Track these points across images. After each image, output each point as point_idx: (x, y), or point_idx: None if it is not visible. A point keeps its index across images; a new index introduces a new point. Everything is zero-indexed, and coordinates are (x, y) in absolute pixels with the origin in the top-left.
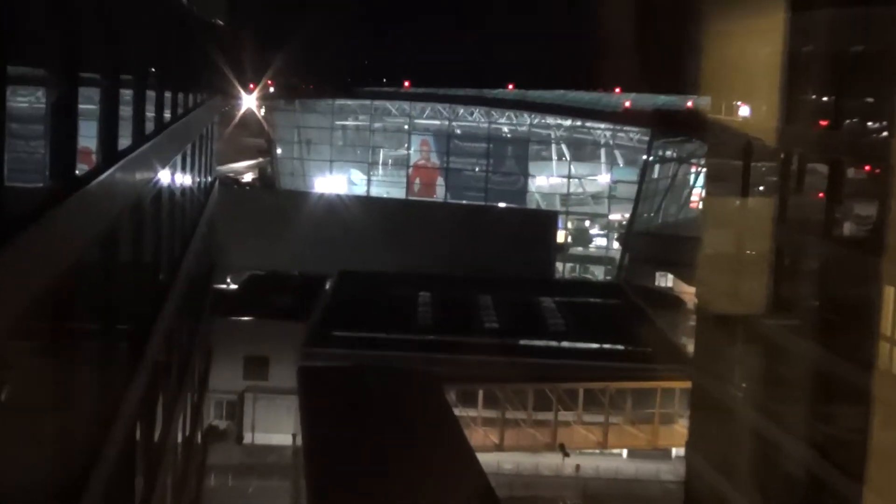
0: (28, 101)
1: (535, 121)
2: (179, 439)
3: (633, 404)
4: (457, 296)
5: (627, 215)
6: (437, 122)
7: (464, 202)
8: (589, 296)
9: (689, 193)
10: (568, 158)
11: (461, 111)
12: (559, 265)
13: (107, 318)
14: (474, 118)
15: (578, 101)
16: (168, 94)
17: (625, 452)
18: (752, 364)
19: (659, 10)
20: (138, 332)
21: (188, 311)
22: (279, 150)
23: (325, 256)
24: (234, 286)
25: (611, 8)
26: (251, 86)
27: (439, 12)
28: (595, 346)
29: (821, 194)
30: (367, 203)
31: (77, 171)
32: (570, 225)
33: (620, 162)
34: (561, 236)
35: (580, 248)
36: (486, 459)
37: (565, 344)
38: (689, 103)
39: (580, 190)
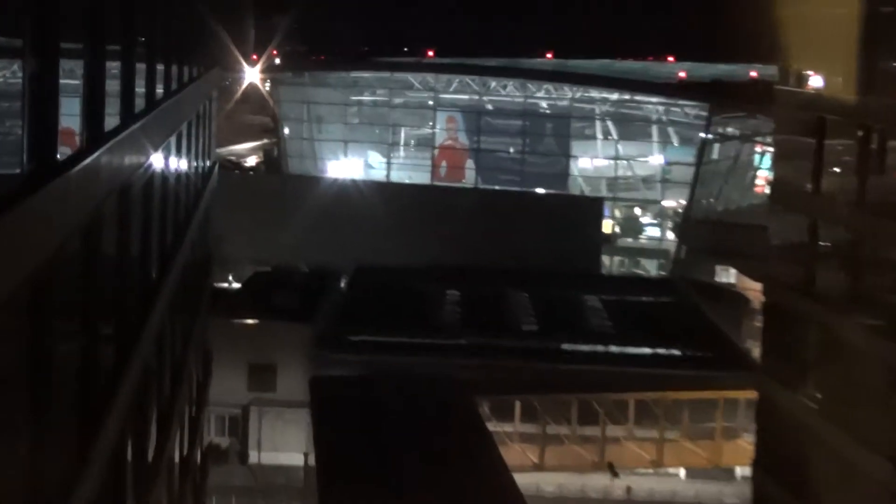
0: (2, 75)
1: (577, 94)
2: (174, 459)
3: (692, 417)
4: (489, 293)
5: (683, 201)
6: (465, 97)
7: (496, 187)
8: (640, 293)
9: (754, 176)
10: (615, 137)
11: (493, 84)
12: (606, 258)
13: (90, 318)
14: (508, 92)
15: (626, 71)
16: (160, 67)
17: (682, 472)
18: (828, 370)
19: None
20: (126, 334)
21: (183, 311)
22: (286, 130)
23: (339, 250)
24: (235, 284)
25: None
26: (254, 56)
27: None
28: (647, 350)
29: None
30: (387, 189)
31: (58, 155)
32: (617, 213)
33: (675, 141)
34: (607, 226)
35: (629, 240)
36: (524, 481)
37: (613, 348)
38: (753, 73)
39: (629, 173)
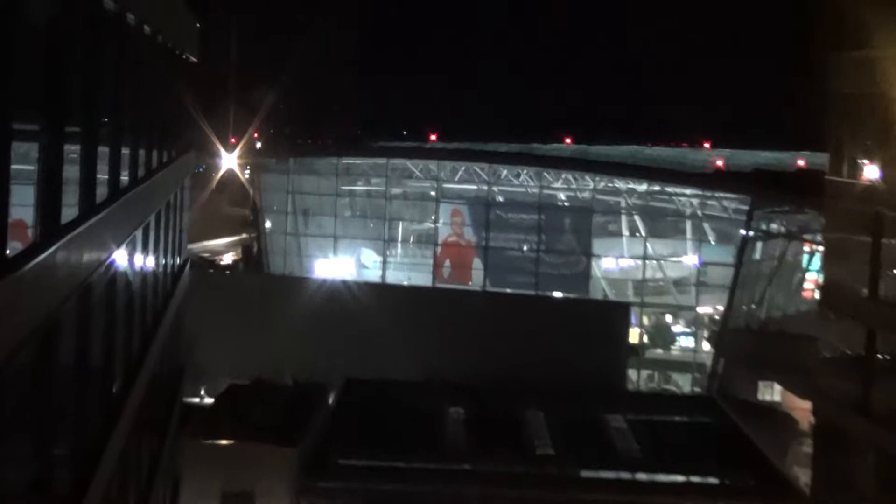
0: None
1: (601, 185)
2: None
3: None
4: (499, 412)
5: (721, 307)
6: (472, 187)
7: (508, 291)
8: (672, 412)
9: (802, 279)
10: (643, 234)
11: (504, 172)
12: (632, 372)
13: (45, 438)
14: (521, 181)
15: (656, 158)
16: (125, 151)
17: None
18: (888, 501)
19: (759, 38)
20: (85, 456)
21: (149, 430)
22: (268, 223)
23: (327, 361)
24: (208, 399)
25: (697, 37)
26: (233, 139)
27: (473, 48)
28: (680, 478)
29: None
30: (383, 292)
31: (7, 251)
32: (646, 320)
33: (711, 238)
34: (634, 335)
35: (659, 351)
36: None
37: (642, 476)
38: (800, 161)
39: (659, 275)
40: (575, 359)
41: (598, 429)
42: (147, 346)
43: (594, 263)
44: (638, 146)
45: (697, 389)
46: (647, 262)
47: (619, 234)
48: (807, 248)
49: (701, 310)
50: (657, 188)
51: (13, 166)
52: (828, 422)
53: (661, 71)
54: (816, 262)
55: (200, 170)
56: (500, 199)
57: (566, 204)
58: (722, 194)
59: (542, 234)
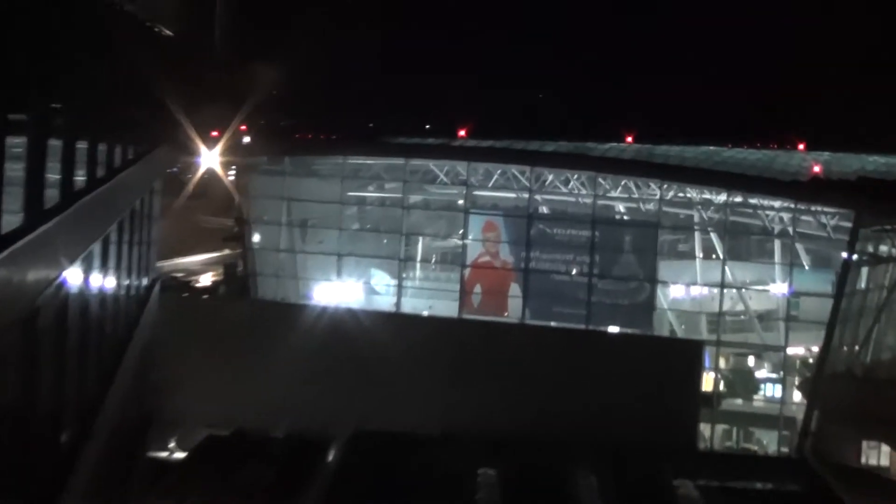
0: None
1: (669, 194)
2: None
3: None
4: (540, 474)
5: (816, 348)
6: (510, 195)
7: (552, 324)
8: (754, 477)
9: None
10: (721, 255)
11: (549, 178)
12: (705, 427)
13: None
14: (570, 189)
15: (738, 163)
16: (81, 146)
17: None
18: None
19: (869, 17)
20: None
21: (107, 494)
22: (257, 238)
23: (328, 408)
24: (181, 454)
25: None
26: (214, 133)
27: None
28: None
29: None
30: (398, 323)
31: None
32: (723, 363)
33: (805, 262)
34: (708, 381)
35: (739, 401)
36: None
37: None
38: None
39: (740, 307)
40: (634, 409)
41: (663, 496)
42: (106, 389)
43: (660, 292)
44: (715, 147)
45: (785, 449)
46: (726, 290)
47: (690, 256)
48: None
49: (791, 351)
50: (739, 199)
51: None
52: None
53: (745, 56)
54: None
55: (174, 170)
56: (545, 210)
57: (626, 217)
58: (819, 208)
59: (595, 255)
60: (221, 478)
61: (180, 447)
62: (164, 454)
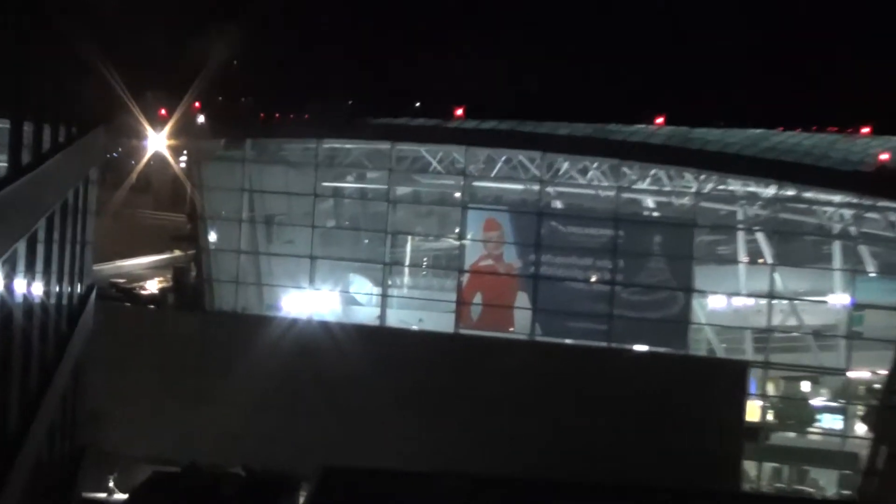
0: None
1: (708, 186)
2: None
3: None
4: None
5: (884, 371)
6: (516, 187)
7: (567, 341)
8: None
9: None
10: (768, 260)
11: (564, 166)
12: (750, 465)
13: None
14: (589, 180)
15: (790, 149)
16: (1, 125)
17: None
18: None
19: None
20: None
21: None
22: (213, 237)
23: (296, 441)
24: (120, 495)
25: None
26: (162, 110)
27: None
28: None
29: None
30: (381, 340)
31: None
32: (771, 389)
33: (870, 268)
34: (754, 411)
35: (792, 435)
36: None
37: None
38: None
39: (792, 321)
40: (665, 444)
41: None
42: (30, 418)
43: (696, 303)
44: (763, 130)
45: (847, 492)
46: (775, 302)
47: (733, 261)
48: None
49: (854, 374)
50: (791, 193)
51: None
52: None
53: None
54: None
55: (114, 156)
56: (558, 205)
57: (655, 214)
58: (887, 203)
59: (618, 259)
60: None
61: (120, 487)
62: (100, 496)
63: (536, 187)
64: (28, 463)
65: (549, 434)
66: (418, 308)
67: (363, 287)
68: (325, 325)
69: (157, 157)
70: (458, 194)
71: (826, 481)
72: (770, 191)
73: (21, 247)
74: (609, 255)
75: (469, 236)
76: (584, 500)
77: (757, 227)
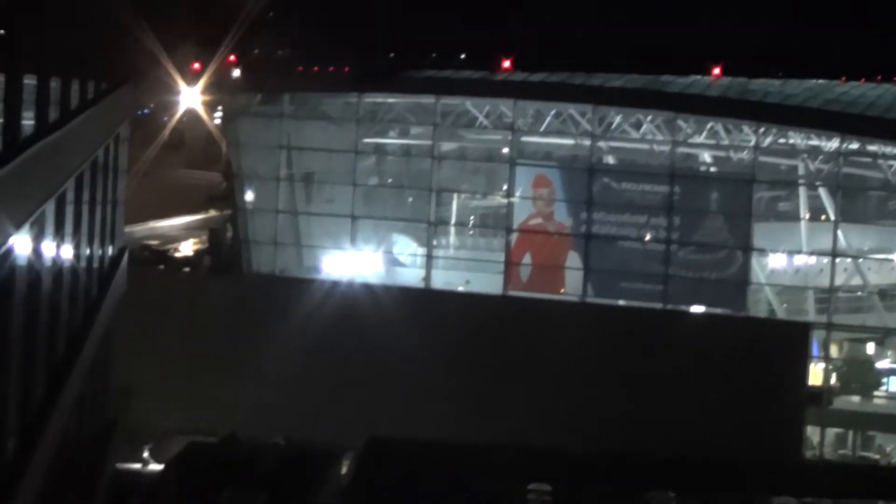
0: None
1: (767, 140)
2: None
3: None
4: (605, 492)
5: None
6: (567, 142)
7: (620, 303)
8: (875, 494)
9: None
10: (831, 217)
11: (616, 120)
12: (813, 432)
13: None
14: (643, 134)
15: (855, 100)
16: (27, 82)
17: None
18: None
19: None
20: None
21: None
22: (249, 196)
23: (338, 410)
24: (154, 465)
25: None
26: (195, 65)
27: None
28: None
29: None
30: (426, 303)
31: None
32: (835, 351)
33: None
34: (817, 374)
35: (856, 399)
36: None
37: None
38: None
39: (857, 281)
40: (724, 410)
41: None
42: (59, 387)
43: (755, 262)
44: (825, 80)
45: None
46: (838, 260)
47: (794, 218)
48: None
49: None
50: (855, 146)
51: None
52: None
53: None
54: None
55: (146, 112)
56: (610, 160)
57: (713, 170)
58: None
59: (674, 217)
60: (205, 495)
61: (155, 458)
62: (135, 466)
63: (588, 142)
64: (55, 436)
65: (601, 399)
66: (465, 269)
67: (407, 247)
68: (367, 288)
69: (191, 114)
70: (506, 150)
71: (893, 447)
72: (833, 144)
73: (49, 208)
74: (664, 213)
75: (517, 194)
76: (639, 473)
77: (819, 183)
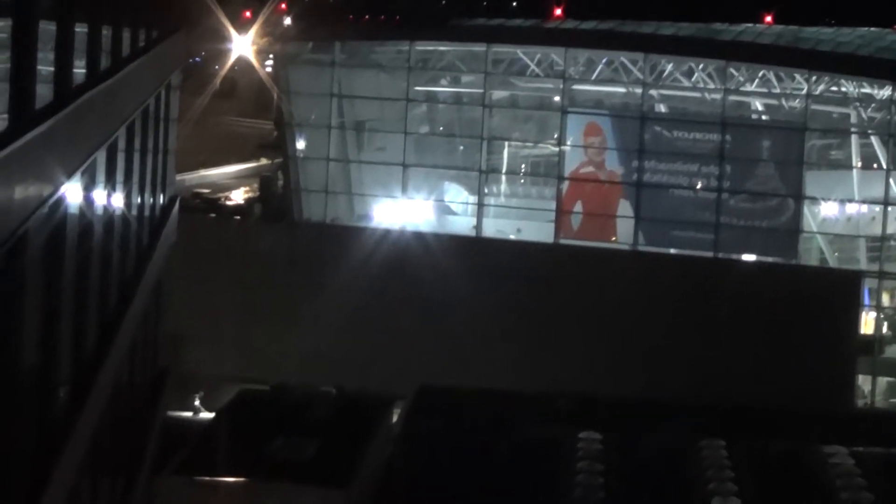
0: None
1: (819, 88)
2: None
3: None
4: (655, 440)
5: None
6: (619, 90)
7: (672, 251)
8: None
9: None
10: (884, 165)
11: (668, 68)
12: (864, 381)
13: None
14: (694, 82)
15: None
16: (79, 30)
17: None
18: None
19: None
20: (18, 498)
21: (112, 464)
22: (301, 144)
23: (388, 358)
24: (206, 413)
25: None
26: (246, 13)
27: None
28: None
29: None
30: (477, 251)
31: None
32: (887, 300)
33: None
34: (868, 323)
35: None
36: None
37: None
38: None
39: None
40: (774, 358)
41: (809, 466)
42: (111, 335)
43: (807, 210)
44: (877, 28)
45: None
46: (890, 208)
47: (846, 166)
48: None
49: None
50: None
51: None
52: None
53: None
54: None
55: (197, 60)
56: (662, 108)
57: (764, 118)
58: None
59: (725, 165)
60: (257, 444)
61: (207, 406)
62: (186, 414)
63: (639, 90)
64: (107, 385)
65: (653, 347)
66: (516, 217)
67: (458, 196)
68: (418, 236)
69: (242, 62)
70: (557, 98)
71: None
72: (886, 92)
73: (100, 156)
74: (715, 161)
75: (569, 142)
76: (691, 420)
77: (871, 131)
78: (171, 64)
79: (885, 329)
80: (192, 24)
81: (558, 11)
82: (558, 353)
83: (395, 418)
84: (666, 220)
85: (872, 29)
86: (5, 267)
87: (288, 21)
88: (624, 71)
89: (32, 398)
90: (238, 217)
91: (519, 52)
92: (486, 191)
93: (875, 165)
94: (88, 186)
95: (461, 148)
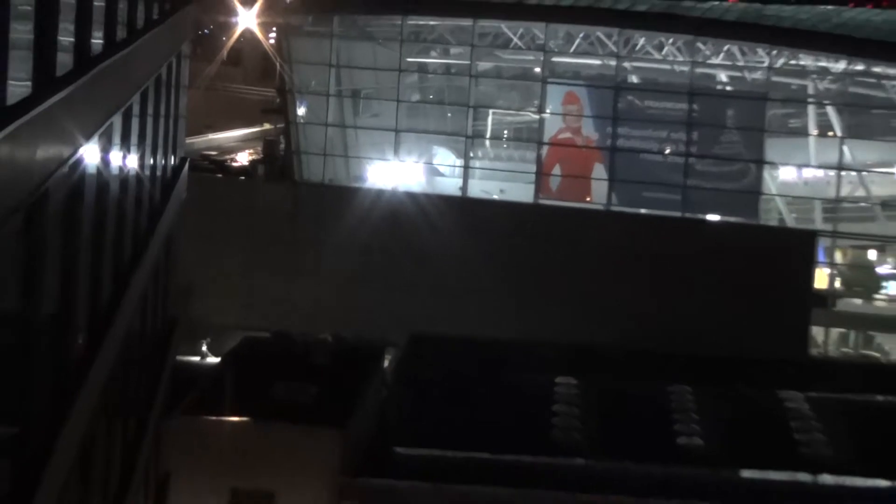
0: None
1: (780, 61)
2: None
3: None
4: (626, 386)
5: None
6: (595, 62)
7: (642, 211)
8: (874, 389)
9: None
10: (838, 133)
11: (640, 42)
12: (818, 332)
13: None
14: (665, 55)
15: (861, 25)
16: (98, 2)
17: None
18: None
19: None
20: (28, 446)
21: (125, 406)
22: (301, 110)
23: (382, 308)
24: (212, 358)
25: None
26: None
27: None
28: (886, 483)
29: None
30: (464, 210)
31: None
32: (839, 257)
33: None
34: (822, 278)
35: (858, 301)
36: None
37: (827, 479)
38: None
39: (861, 192)
40: (736, 311)
41: (768, 411)
42: (124, 285)
43: (767, 174)
44: (835, 6)
45: None
46: (844, 173)
47: (803, 134)
48: None
49: None
50: (861, 67)
51: None
52: None
53: None
54: None
55: (206, 32)
56: (635, 79)
57: (729, 89)
58: None
59: (692, 132)
60: (259, 387)
61: (213, 351)
62: (193, 359)
63: (614, 62)
64: (121, 333)
65: (625, 300)
66: (500, 179)
67: (446, 159)
68: (410, 196)
69: (248, 33)
70: (538, 69)
71: (892, 346)
72: (840, 65)
73: (116, 120)
74: (683, 128)
75: (549, 110)
76: (658, 368)
77: (827, 101)
78: (182, 34)
79: (837, 284)
80: None
81: None
82: (538, 303)
83: (387, 365)
84: (637, 181)
85: (829, 7)
86: (29, 221)
87: None
88: (600, 44)
89: (53, 342)
90: (243, 177)
91: (503, 26)
92: (472, 154)
93: (830, 133)
94: (105, 148)
95: (449, 115)
